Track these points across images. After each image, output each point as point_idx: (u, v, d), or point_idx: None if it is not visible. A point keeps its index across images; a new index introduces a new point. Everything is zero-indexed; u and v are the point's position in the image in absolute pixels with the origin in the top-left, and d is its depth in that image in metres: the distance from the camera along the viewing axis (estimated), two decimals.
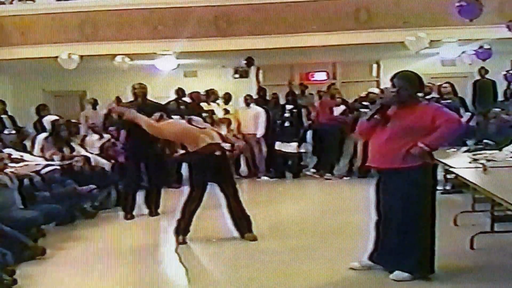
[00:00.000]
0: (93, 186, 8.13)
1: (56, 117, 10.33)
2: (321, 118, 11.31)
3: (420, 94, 5.93)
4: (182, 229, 6.32)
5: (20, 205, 6.79)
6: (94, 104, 13.37)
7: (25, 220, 6.39)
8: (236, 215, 6.41)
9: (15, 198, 6.74)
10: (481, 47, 12.17)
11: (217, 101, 11.98)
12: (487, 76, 13.04)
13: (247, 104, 11.81)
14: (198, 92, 11.76)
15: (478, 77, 13.23)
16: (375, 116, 4.94)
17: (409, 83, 5.00)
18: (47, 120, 10.23)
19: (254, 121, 11.55)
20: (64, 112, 12.80)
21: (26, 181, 7.19)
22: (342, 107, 11.36)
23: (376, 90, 12.13)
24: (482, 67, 12.95)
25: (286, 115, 11.52)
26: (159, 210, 8.18)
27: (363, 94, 11.52)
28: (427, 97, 10.80)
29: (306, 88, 12.42)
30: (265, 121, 11.51)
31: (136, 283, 5.23)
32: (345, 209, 7.97)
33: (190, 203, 6.28)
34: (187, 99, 11.83)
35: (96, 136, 10.43)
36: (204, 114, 11.15)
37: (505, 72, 12.77)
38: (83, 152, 9.18)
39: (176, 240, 6.29)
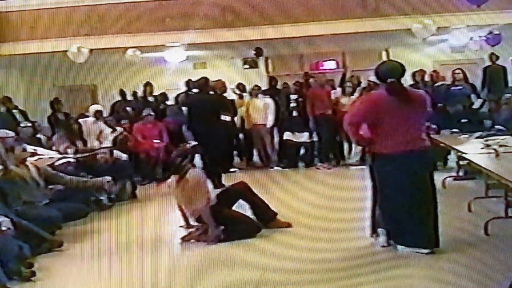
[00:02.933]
0: (108, 178, 8.20)
1: (100, 108, 10.95)
2: (310, 108, 11.31)
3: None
4: None
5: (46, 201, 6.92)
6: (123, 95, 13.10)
7: (46, 218, 6.48)
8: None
9: (40, 194, 6.89)
10: (490, 32, 12.10)
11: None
12: (497, 62, 12.97)
13: (255, 95, 11.85)
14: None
15: (488, 63, 13.17)
16: None
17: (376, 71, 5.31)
18: (92, 109, 10.77)
19: (264, 111, 11.57)
20: (76, 106, 12.87)
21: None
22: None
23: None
24: (493, 53, 12.86)
25: (293, 105, 11.54)
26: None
27: None
28: (437, 84, 10.85)
29: (310, 77, 12.39)
30: (274, 112, 11.54)
31: (153, 275, 5.26)
32: (358, 197, 7.97)
33: None
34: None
35: (109, 130, 10.48)
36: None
37: None
38: (103, 145, 9.36)
39: None
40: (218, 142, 9.42)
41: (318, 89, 11.43)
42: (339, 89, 11.74)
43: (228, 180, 8.84)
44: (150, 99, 12.23)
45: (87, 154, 8.80)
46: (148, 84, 12.35)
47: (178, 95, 12.35)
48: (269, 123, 11.55)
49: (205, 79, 10.29)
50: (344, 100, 11.21)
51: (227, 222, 6.15)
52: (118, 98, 12.82)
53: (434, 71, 11.84)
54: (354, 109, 5.46)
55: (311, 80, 11.89)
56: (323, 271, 5.03)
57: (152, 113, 11.08)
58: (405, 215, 5.11)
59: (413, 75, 11.43)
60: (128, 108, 12.18)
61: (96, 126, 10.43)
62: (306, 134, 11.27)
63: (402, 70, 5.24)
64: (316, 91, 11.37)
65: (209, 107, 9.94)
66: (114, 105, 12.64)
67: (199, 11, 11.70)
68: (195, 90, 11.87)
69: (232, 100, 11.79)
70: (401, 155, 5.04)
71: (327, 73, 13.66)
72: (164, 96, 12.56)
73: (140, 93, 12.62)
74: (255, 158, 12.12)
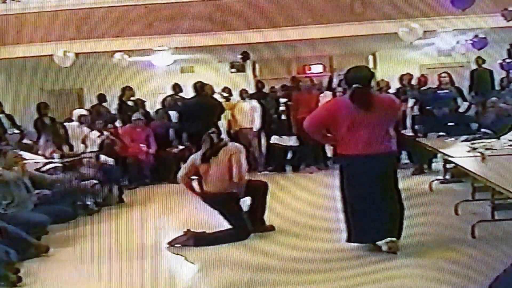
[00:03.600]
0: (94, 181, 8.18)
1: (84, 112, 11.00)
2: (294, 112, 11.21)
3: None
4: None
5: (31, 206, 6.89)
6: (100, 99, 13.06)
7: (32, 223, 6.44)
8: None
9: (28, 198, 6.87)
10: (476, 36, 12.17)
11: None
12: (484, 65, 13.07)
13: (243, 98, 11.86)
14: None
15: (475, 67, 13.26)
16: None
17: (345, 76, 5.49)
18: (76, 113, 10.90)
19: (251, 115, 11.57)
20: (63, 110, 12.80)
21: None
22: None
23: None
24: (479, 57, 12.96)
25: (282, 108, 11.53)
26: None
27: None
28: (423, 88, 10.91)
29: (299, 81, 12.41)
30: (261, 115, 11.53)
31: (139, 280, 5.23)
32: None
33: None
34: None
35: (96, 134, 10.42)
36: None
37: (500, 61, 12.81)
38: (88, 149, 9.34)
39: None
40: None
41: (305, 93, 11.43)
42: (329, 93, 11.74)
43: None
44: (130, 103, 12.14)
45: (73, 158, 8.77)
46: (127, 88, 12.23)
47: (164, 99, 12.33)
48: (256, 126, 11.54)
49: (202, 83, 10.69)
50: None
51: (231, 216, 6.17)
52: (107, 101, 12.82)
53: (422, 75, 11.91)
54: (313, 113, 5.57)
55: (301, 83, 11.89)
56: (310, 272, 5.04)
57: (142, 118, 11.05)
58: (366, 215, 5.18)
59: (401, 78, 11.49)
60: (113, 112, 12.13)
61: (81, 130, 10.42)
62: (294, 137, 11.24)
63: (369, 76, 5.31)
64: (302, 95, 11.36)
65: (208, 110, 10.04)
66: (92, 108, 12.55)
67: (186, 15, 11.70)
68: (182, 94, 11.95)
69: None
70: (361, 158, 5.13)
71: (314, 77, 13.65)
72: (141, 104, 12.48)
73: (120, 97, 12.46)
74: None
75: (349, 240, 5.42)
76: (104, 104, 12.79)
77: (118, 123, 11.69)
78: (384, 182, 5.19)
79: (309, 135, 5.65)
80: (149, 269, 5.55)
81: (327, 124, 5.40)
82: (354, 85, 5.16)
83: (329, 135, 5.51)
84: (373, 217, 5.16)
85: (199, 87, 10.72)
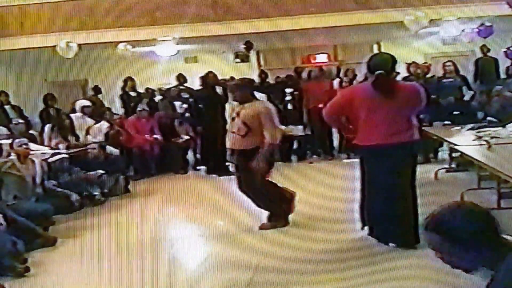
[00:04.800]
0: (101, 172, 8.18)
1: (87, 103, 10.86)
2: (306, 103, 11.27)
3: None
4: None
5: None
6: (96, 90, 13.20)
7: (36, 213, 6.45)
8: None
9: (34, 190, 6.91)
10: (482, 24, 12.11)
11: None
12: (489, 54, 13.02)
13: None
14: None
15: (480, 55, 13.21)
16: None
17: (367, 63, 5.23)
18: (79, 104, 10.73)
19: None
20: (67, 101, 12.81)
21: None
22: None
23: None
24: (484, 45, 12.92)
25: (288, 98, 11.51)
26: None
27: None
28: (427, 76, 10.88)
29: (302, 71, 12.39)
30: None
31: (146, 271, 5.26)
32: (350, 190, 7.99)
33: None
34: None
35: (106, 124, 10.35)
36: None
37: (505, 49, 12.76)
38: (95, 140, 9.34)
39: None
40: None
41: (313, 82, 11.42)
42: (336, 81, 11.72)
43: None
44: (133, 94, 12.13)
45: (79, 149, 8.77)
46: (129, 79, 12.20)
47: (168, 89, 12.31)
48: None
49: (214, 73, 10.68)
50: None
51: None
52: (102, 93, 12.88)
53: (425, 63, 11.86)
54: (332, 101, 5.42)
55: (312, 73, 11.86)
56: (315, 263, 5.06)
57: (147, 108, 11.03)
58: (384, 211, 5.08)
59: (408, 67, 11.44)
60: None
61: (84, 121, 10.36)
62: (300, 127, 11.24)
63: (392, 63, 5.16)
64: (310, 85, 11.35)
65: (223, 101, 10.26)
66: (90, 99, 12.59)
67: (190, 5, 11.65)
68: (186, 84, 11.94)
69: None
70: (381, 148, 4.99)
71: (319, 66, 13.62)
72: (151, 94, 12.46)
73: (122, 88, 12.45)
74: None
75: (364, 227, 5.42)
76: (99, 95, 12.81)
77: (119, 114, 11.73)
78: (402, 175, 5.04)
79: (328, 123, 5.63)
80: (155, 259, 5.57)
81: (344, 112, 5.30)
82: (377, 72, 5.02)
83: (350, 127, 5.41)
84: (389, 219, 5.06)
85: (212, 77, 10.66)
